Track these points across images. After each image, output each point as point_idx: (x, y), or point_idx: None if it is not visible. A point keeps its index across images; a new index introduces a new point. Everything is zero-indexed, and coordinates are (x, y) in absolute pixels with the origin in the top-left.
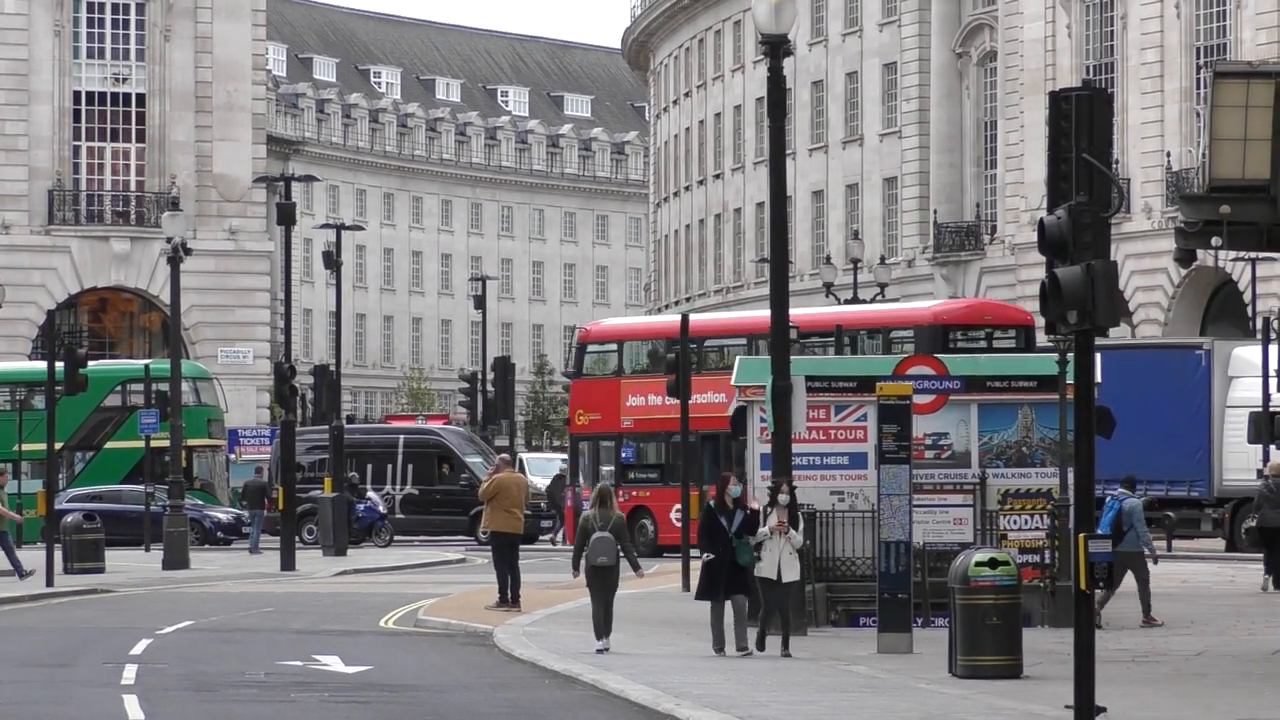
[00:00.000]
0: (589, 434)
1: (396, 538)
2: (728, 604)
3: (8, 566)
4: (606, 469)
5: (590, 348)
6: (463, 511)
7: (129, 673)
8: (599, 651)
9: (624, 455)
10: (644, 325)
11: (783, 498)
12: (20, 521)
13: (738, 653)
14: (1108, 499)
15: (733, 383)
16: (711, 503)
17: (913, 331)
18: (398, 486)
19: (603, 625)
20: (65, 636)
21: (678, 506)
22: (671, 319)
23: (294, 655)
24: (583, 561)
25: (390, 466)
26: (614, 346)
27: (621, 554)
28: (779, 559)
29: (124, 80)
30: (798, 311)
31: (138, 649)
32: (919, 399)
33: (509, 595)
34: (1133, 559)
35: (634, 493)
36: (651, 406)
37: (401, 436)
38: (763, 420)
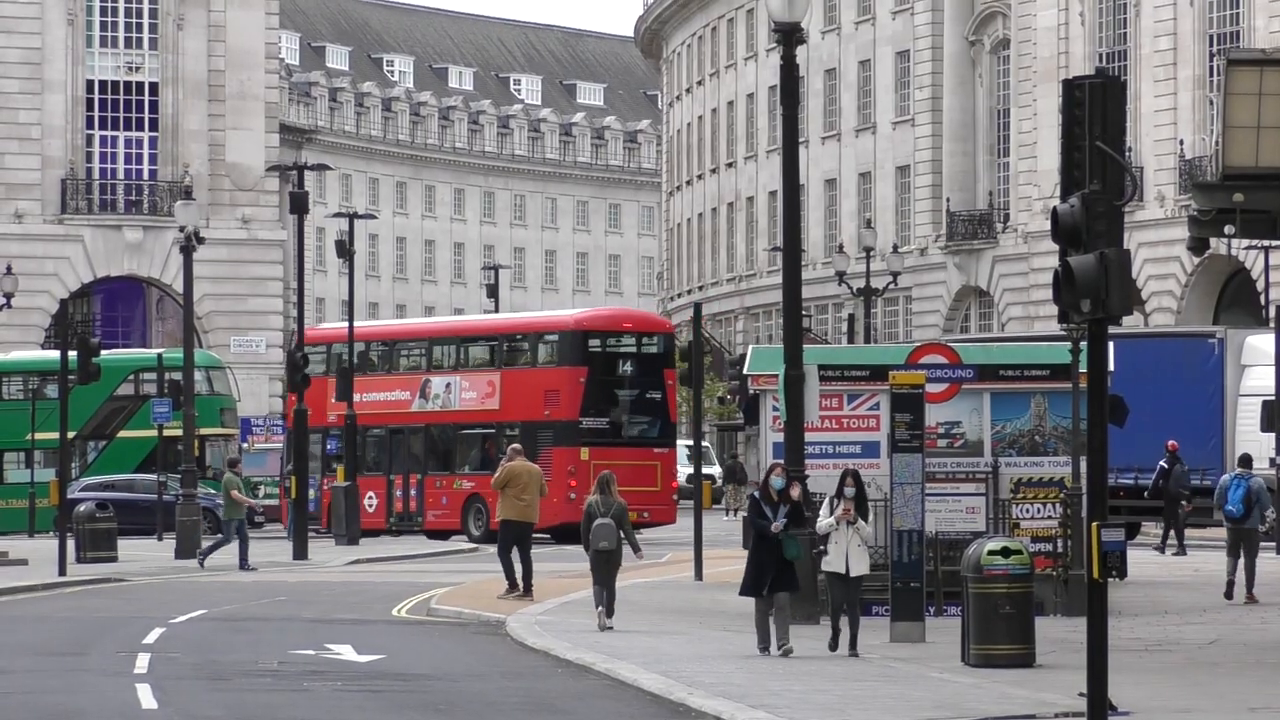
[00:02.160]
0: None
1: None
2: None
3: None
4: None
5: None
6: None
7: (142, 661)
8: (600, 628)
9: (329, 447)
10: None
11: (848, 490)
12: (258, 508)
13: (778, 652)
14: (1231, 479)
15: (745, 371)
16: (756, 494)
17: (558, 337)
18: None
19: (604, 604)
20: (78, 625)
21: (370, 494)
22: (373, 325)
23: (306, 644)
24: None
25: None
26: (323, 350)
27: (623, 537)
28: (846, 551)
29: (137, 69)
30: (458, 319)
31: (150, 638)
32: (932, 388)
33: (523, 583)
34: (1252, 535)
35: (335, 482)
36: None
37: None
38: (775, 409)
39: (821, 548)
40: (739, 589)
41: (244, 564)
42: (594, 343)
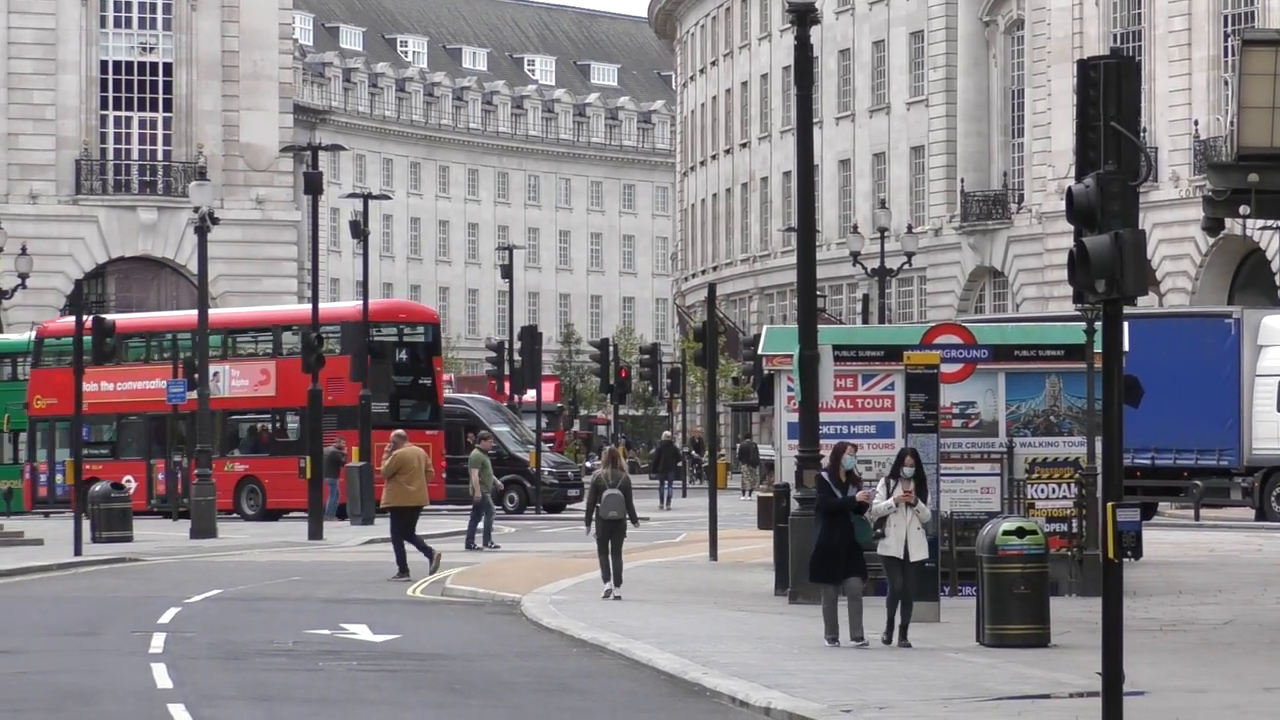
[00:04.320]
0: (47, 416)
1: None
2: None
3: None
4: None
5: (48, 342)
6: None
7: (157, 641)
8: (605, 595)
9: (83, 434)
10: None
11: (907, 469)
12: (500, 488)
13: (852, 643)
14: None
15: (759, 352)
16: (825, 474)
17: (340, 327)
18: None
19: (611, 572)
20: (93, 605)
21: (127, 477)
22: (130, 317)
23: (322, 624)
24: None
25: None
26: (69, 341)
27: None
28: (905, 535)
29: (151, 50)
30: (229, 311)
31: (166, 617)
32: (946, 368)
33: (401, 565)
34: None
35: (88, 466)
36: (104, 392)
37: None
38: (790, 389)
39: (878, 531)
40: (809, 574)
41: (471, 542)
42: (373, 332)
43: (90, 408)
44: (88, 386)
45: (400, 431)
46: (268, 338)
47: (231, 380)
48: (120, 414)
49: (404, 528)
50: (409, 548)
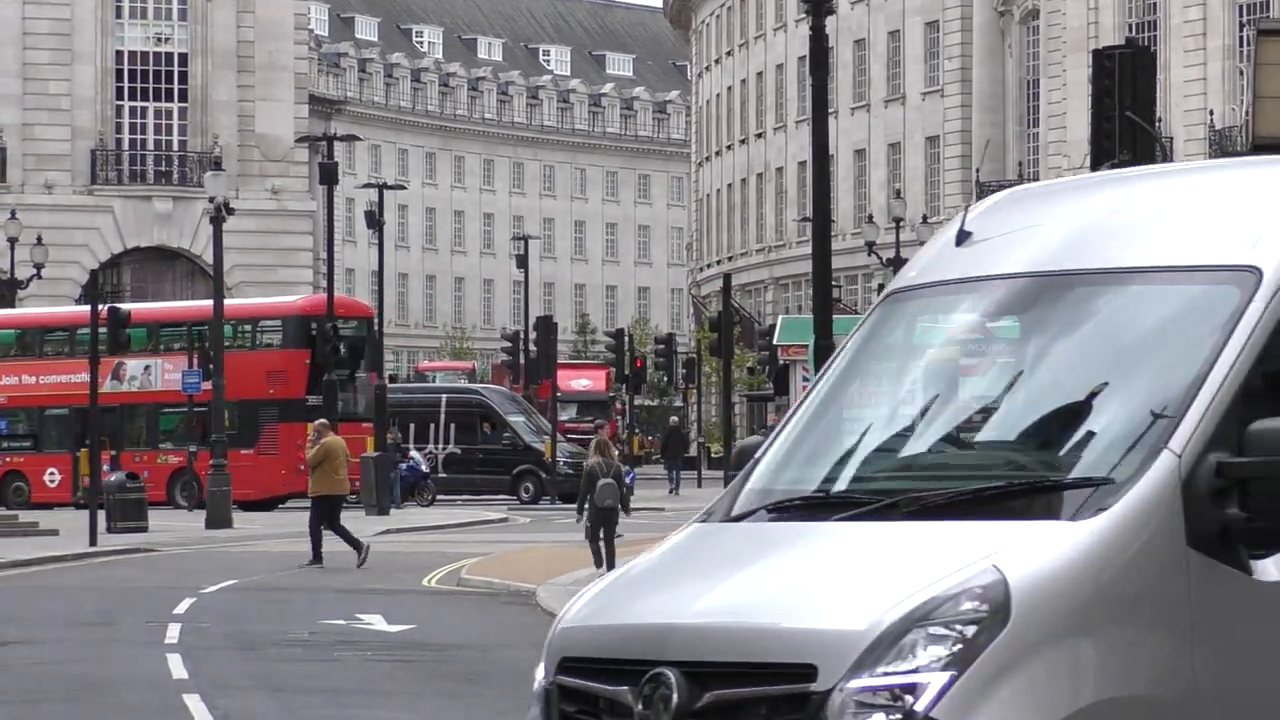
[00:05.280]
0: None
1: (439, 497)
2: None
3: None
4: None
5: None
6: (505, 471)
7: (172, 631)
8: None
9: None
10: (15, 317)
11: None
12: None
13: None
14: None
15: (775, 342)
16: None
17: (281, 322)
18: (440, 446)
19: (605, 560)
20: (108, 595)
21: (51, 470)
22: (37, 311)
23: (337, 614)
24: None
25: (432, 426)
26: None
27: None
28: None
29: (166, 40)
30: (162, 305)
31: (181, 608)
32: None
33: (315, 553)
34: None
35: (8, 459)
36: (25, 385)
37: (444, 396)
38: (805, 379)
39: None
40: None
41: None
42: (314, 326)
43: (11, 401)
44: (7, 380)
45: (323, 420)
46: (200, 331)
47: (164, 374)
48: (43, 407)
49: (330, 516)
50: (340, 542)
